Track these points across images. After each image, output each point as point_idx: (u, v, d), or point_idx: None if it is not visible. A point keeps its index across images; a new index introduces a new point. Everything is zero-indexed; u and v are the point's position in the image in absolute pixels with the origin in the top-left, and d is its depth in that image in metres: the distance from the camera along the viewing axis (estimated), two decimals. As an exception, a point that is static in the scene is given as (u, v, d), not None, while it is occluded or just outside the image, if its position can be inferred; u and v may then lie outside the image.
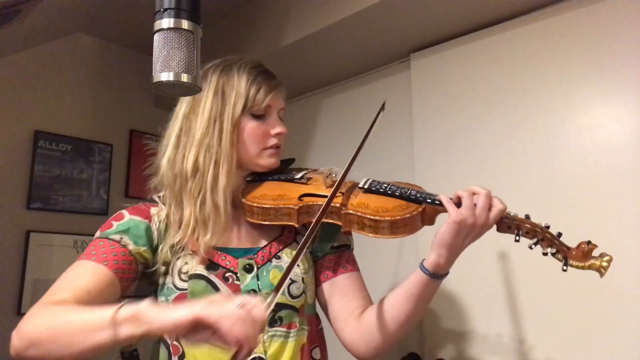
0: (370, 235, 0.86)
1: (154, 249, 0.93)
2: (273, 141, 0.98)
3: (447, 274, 0.85)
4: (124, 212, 0.96)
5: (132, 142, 2.36)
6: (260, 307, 0.64)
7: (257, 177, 1.01)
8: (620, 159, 1.24)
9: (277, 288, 0.71)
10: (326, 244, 1.00)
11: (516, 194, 1.31)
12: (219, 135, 0.93)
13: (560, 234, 0.82)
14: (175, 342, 0.90)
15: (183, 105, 0.99)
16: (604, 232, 1.21)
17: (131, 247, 0.90)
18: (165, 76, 0.94)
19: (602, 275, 0.77)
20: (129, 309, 0.67)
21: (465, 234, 0.81)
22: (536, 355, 1.32)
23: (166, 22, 0.95)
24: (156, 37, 0.97)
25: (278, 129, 0.98)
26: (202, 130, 0.94)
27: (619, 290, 1.19)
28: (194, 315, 0.63)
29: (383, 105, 1.03)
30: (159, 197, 1.00)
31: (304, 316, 0.94)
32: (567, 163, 1.33)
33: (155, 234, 0.94)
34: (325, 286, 0.98)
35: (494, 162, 1.48)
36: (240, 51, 2.01)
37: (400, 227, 0.84)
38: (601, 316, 1.21)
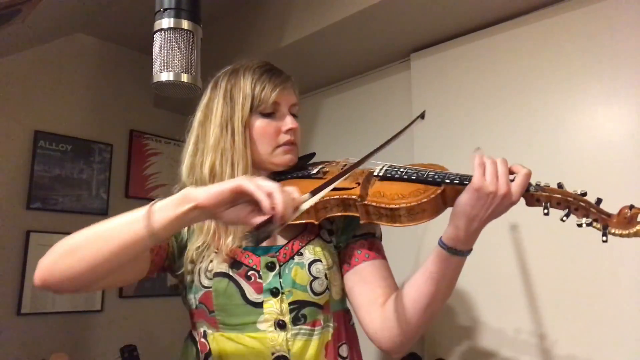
0: (389, 224, 0.82)
1: (179, 244, 0.96)
2: (285, 138, 0.97)
3: (469, 251, 0.79)
4: None
5: (132, 142, 2.36)
6: (295, 191, 0.69)
7: (277, 177, 1.00)
8: (620, 159, 1.24)
9: (318, 189, 0.73)
10: (348, 234, 0.98)
11: (516, 194, 1.31)
12: (232, 137, 0.94)
13: (599, 201, 0.72)
14: (202, 340, 0.93)
15: (198, 113, 1.01)
16: (627, 242, 1.20)
17: None
18: (165, 76, 0.94)
19: None
20: (169, 198, 0.72)
21: (486, 205, 0.74)
22: (537, 354, 1.32)
23: (166, 22, 0.95)
24: (156, 37, 0.97)
25: (289, 124, 0.98)
26: (215, 135, 0.95)
27: (625, 283, 1.19)
28: (235, 184, 0.69)
29: (423, 113, 1.00)
30: None
31: (329, 313, 0.93)
32: (567, 163, 1.33)
33: (184, 230, 0.97)
34: (348, 275, 0.94)
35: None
36: (240, 51, 2.01)
37: (418, 213, 0.79)
38: (604, 309, 1.22)
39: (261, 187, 0.67)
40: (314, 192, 0.72)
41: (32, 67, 2.08)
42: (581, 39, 1.35)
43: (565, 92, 1.37)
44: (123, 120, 2.36)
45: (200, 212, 0.70)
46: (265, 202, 0.66)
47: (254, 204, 0.69)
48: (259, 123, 0.96)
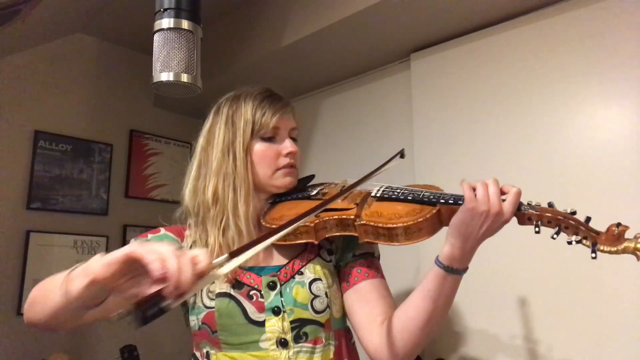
0: (386, 243, 0.84)
1: None
2: (285, 161, 0.99)
3: (465, 270, 0.82)
4: (161, 228, 1.02)
5: (132, 142, 2.36)
6: (203, 255, 0.59)
7: (277, 199, 1.02)
8: (620, 159, 1.24)
9: (233, 253, 0.63)
10: (348, 253, 0.99)
11: (516, 194, 1.31)
12: (234, 162, 0.97)
13: (588, 219, 0.75)
14: None
15: (200, 139, 1.04)
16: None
17: None
18: (165, 76, 0.94)
19: (639, 258, 0.70)
20: (82, 265, 0.66)
21: (480, 223, 0.77)
22: (537, 353, 1.32)
23: (166, 22, 0.95)
24: (156, 37, 0.97)
25: (289, 148, 1.00)
26: (217, 160, 0.98)
27: (619, 290, 1.19)
28: (125, 252, 0.60)
29: (402, 152, 1.01)
30: (189, 224, 1.03)
31: (330, 331, 0.94)
32: (567, 163, 1.33)
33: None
34: (348, 294, 0.96)
35: (494, 162, 1.48)
36: (240, 51, 2.01)
37: (415, 232, 0.82)
38: (600, 316, 1.22)
39: (152, 251, 0.58)
40: (233, 254, 0.62)
41: (32, 67, 2.08)
42: (581, 39, 1.35)
43: (565, 92, 1.37)
44: (123, 120, 2.36)
45: (99, 287, 0.63)
46: (152, 266, 0.57)
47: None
48: (260, 147, 0.99)
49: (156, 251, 0.58)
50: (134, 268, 0.61)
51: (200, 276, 0.57)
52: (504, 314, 1.39)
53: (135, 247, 0.60)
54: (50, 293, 0.72)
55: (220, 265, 0.61)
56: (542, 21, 1.44)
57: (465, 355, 1.47)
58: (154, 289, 0.57)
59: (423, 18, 1.56)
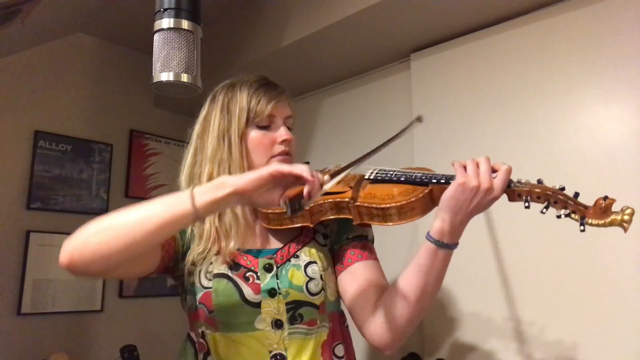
0: (381, 224, 0.87)
1: (183, 246, 0.99)
2: (280, 148, 1.00)
3: (455, 245, 0.83)
4: None
5: (132, 142, 2.36)
6: (320, 174, 0.78)
7: None
8: (620, 159, 1.24)
9: (335, 173, 0.82)
10: (341, 236, 1.02)
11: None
12: (229, 149, 0.98)
13: (577, 194, 0.77)
14: (201, 340, 0.95)
15: (196, 126, 1.06)
16: (604, 231, 1.21)
17: None
18: (165, 76, 0.95)
19: (625, 230, 0.71)
20: (206, 184, 0.79)
21: (469, 198, 0.79)
22: (529, 335, 1.32)
23: (166, 22, 0.96)
24: (156, 37, 0.97)
25: (284, 135, 1.00)
26: (213, 147, 0.99)
27: (613, 269, 1.20)
28: (273, 168, 0.76)
29: (420, 117, 1.04)
30: None
31: (325, 313, 0.96)
32: (567, 163, 1.33)
33: (188, 234, 1.00)
34: (342, 276, 0.98)
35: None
36: (241, 51, 2.01)
37: (408, 212, 0.84)
38: (593, 296, 1.22)
39: (296, 167, 0.76)
40: (333, 175, 0.81)
41: (32, 67, 2.08)
42: (581, 39, 1.35)
43: (565, 91, 1.37)
44: (123, 120, 2.35)
45: (238, 197, 0.77)
46: (304, 174, 0.75)
47: (283, 188, 0.78)
48: (255, 134, 1.00)
49: (299, 167, 0.76)
50: (273, 182, 0.77)
51: (320, 187, 0.77)
52: (496, 297, 1.39)
53: (280, 165, 0.77)
54: (150, 212, 0.77)
55: (327, 182, 0.80)
56: (542, 21, 1.44)
57: (458, 340, 1.47)
58: (291, 191, 0.77)
59: (423, 18, 1.56)
